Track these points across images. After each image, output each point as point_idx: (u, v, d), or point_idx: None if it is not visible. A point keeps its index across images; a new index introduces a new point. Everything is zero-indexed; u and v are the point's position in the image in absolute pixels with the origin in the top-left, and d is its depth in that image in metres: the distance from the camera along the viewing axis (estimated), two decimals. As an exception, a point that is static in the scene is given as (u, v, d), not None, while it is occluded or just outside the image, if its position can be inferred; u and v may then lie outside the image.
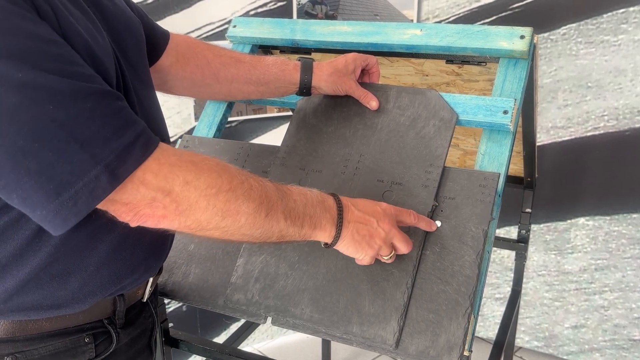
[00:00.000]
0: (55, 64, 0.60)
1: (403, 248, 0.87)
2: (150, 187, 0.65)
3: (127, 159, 0.63)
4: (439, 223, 0.93)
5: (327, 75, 1.04)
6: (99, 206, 0.65)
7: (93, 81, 0.63)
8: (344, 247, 0.83)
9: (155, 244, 0.86)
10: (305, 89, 1.06)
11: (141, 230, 0.81)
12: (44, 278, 0.74)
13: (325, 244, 0.83)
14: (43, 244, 0.72)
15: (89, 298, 0.79)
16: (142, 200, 0.66)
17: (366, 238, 0.83)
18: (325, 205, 0.81)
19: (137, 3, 1.79)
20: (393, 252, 0.87)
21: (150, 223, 0.68)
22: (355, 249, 0.83)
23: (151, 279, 0.92)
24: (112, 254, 0.79)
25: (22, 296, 0.74)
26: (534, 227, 2.22)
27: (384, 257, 0.87)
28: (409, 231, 0.91)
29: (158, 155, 0.66)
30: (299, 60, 1.07)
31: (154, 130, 0.84)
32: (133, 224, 0.68)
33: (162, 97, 1.08)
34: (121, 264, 0.81)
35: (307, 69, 1.05)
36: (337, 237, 0.81)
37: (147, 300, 0.93)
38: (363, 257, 0.85)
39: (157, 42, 1.00)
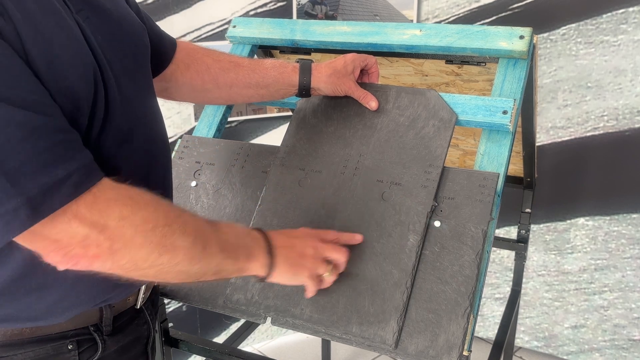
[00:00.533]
0: None
1: (338, 256, 0.87)
2: (84, 222, 0.62)
3: (52, 195, 0.59)
4: (437, 223, 0.93)
5: (326, 77, 1.04)
6: (25, 243, 0.63)
7: (35, 110, 0.60)
8: (281, 273, 0.82)
9: None
10: (304, 91, 1.06)
11: None
12: (19, 292, 0.73)
13: (260, 278, 0.82)
14: (12, 256, 0.70)
15: (66, 312, 0.77)
16: (74, 238, 0.62)
17: (297, 259, 0.83)
18: (252, 235, 0.81)
19: (138, 4, 1.79)
20: (331, 267, 0.87)
21: (82, 265, 0.64)
22: (292, 273, 0.83)
23: (143, 286, 0.89)
24: None
25: None
26: (533, 227, 2.22)
27: (325, 275, 0.86)
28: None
29: (95, 190, 0.63)
30: (298, 62, 1.07)
31: (149, 136, 0.83)
32: (61, 266, 0.64)
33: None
34: (101, 279, 0.77)
35: (305, 71, 1.05)
36: (271, 264, 0.80)
37: (141, 307, 0.91)
38: (302, 280, 0.84)
39: (165, 50, 1.00)
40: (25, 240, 0.62)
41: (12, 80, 0.60)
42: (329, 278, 0.88)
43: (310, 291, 0.87)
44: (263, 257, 0.80)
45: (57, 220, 0.61)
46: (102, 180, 0.65)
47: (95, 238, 0.62)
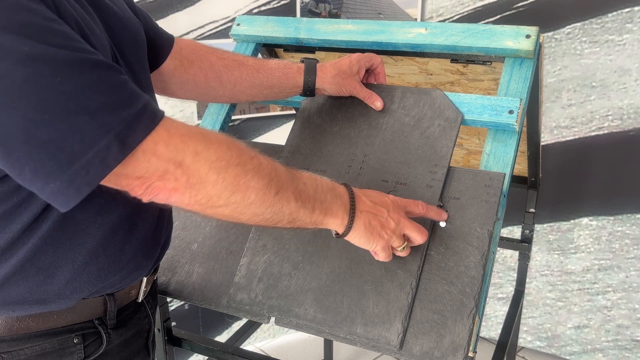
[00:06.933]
0: (59, 39, 0.61)
1: (417, 237, 0.86)
2: (162, 158, 0.65)
3: (136, 128, 0.63)
4: (443, 224, 0.92)
5: (330, 77, 1.04)
6: (111, 184, 0.66)
7: (97, 55, 0.64)
8: (356, 237, 0.82)
9: (146, 242, 0.85)
10: (309, 91, 1.06)
11: (131, 226, 0.81)
12: (30, 270, 0.74)
13: (337, 233, 0.83)
14: (32, 236, 0.72)
15: (75, 294, 0.78)
16: (154, 173, 0.65)
17: (377, 229, 0.82)
18: (336, 192, 0.81)
19: (140, 2, 1.78)
20: (406, 243, 0.86)
21: (162, 197, 0.68)
22: (367, 239, 0.82)
23: (145, 279, 0.91)
24: (100, 248, 0.78)
25: (8, 289, 0.74)
26: (537, 227, 2.21)
27: (397, 249, 0.86)
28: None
29: (167, 126, 0.66)
30: (302, 61, 1.06)
31: None
32: (145, 198, 0.68)
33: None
34: (109, 260, 0.80)
35: (310, 71, 1.05)
36: (349, 226, 0.81)
37: (142, 300, 0.92)
38: (374, 248, 0.84)
39: (161, 45, 1.00)
40: (111, 181, 0.65)
41: (72, 33, 0.63)
42: (401, 252, 0.87)
43: (380, 258, 0.86)
44: (342, 217, 0.80)
45: (139, 159, 0.64)
46: (168, 117, 0.67)
47: (173, 172, 0.66)
